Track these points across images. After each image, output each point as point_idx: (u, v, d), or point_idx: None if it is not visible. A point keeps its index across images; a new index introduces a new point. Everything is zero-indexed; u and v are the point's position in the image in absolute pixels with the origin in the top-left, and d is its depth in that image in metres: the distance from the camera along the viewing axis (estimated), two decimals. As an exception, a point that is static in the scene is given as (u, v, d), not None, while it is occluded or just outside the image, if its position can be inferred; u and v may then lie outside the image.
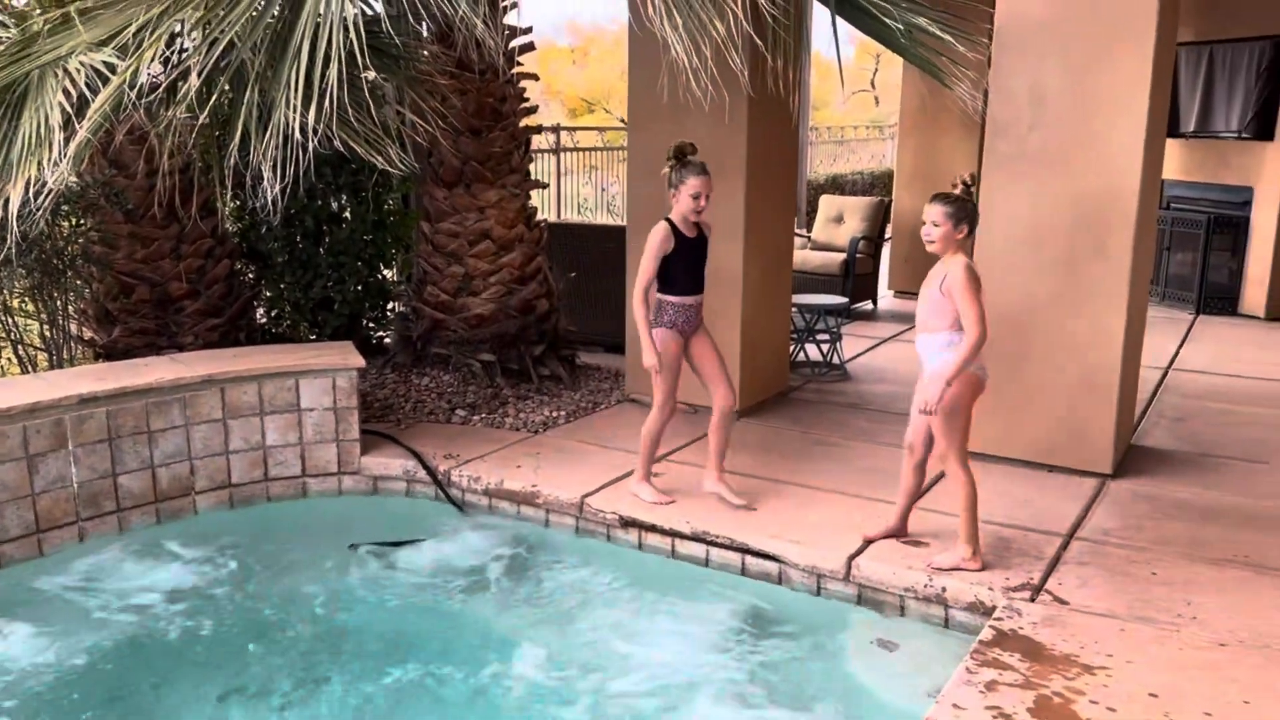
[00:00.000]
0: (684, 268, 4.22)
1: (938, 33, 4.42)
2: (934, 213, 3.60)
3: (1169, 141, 8.99)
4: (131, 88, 3.75)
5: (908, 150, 9.36)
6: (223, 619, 3.82)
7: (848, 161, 17.38)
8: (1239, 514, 4.25)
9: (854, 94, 35.63)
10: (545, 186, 7.16)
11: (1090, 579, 3.65)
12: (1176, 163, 9.13)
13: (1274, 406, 5.84)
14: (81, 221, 5.25)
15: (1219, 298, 8.64)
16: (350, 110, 4.12)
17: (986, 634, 3.27)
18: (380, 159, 4.04)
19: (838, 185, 14.90)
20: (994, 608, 3.49)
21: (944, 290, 3.58)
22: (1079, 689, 2.95)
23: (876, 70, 34.27)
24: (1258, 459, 4.93)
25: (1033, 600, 3.51)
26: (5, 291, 5.11)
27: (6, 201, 3.74)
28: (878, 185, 15.83)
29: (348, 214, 6.23)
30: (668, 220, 4.21)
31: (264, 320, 6.36)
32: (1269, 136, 8.20)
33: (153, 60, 3.80)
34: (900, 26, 4.45)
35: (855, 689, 3.40)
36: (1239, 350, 7.29)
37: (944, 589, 3.64)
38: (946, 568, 3.69)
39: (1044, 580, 3.65)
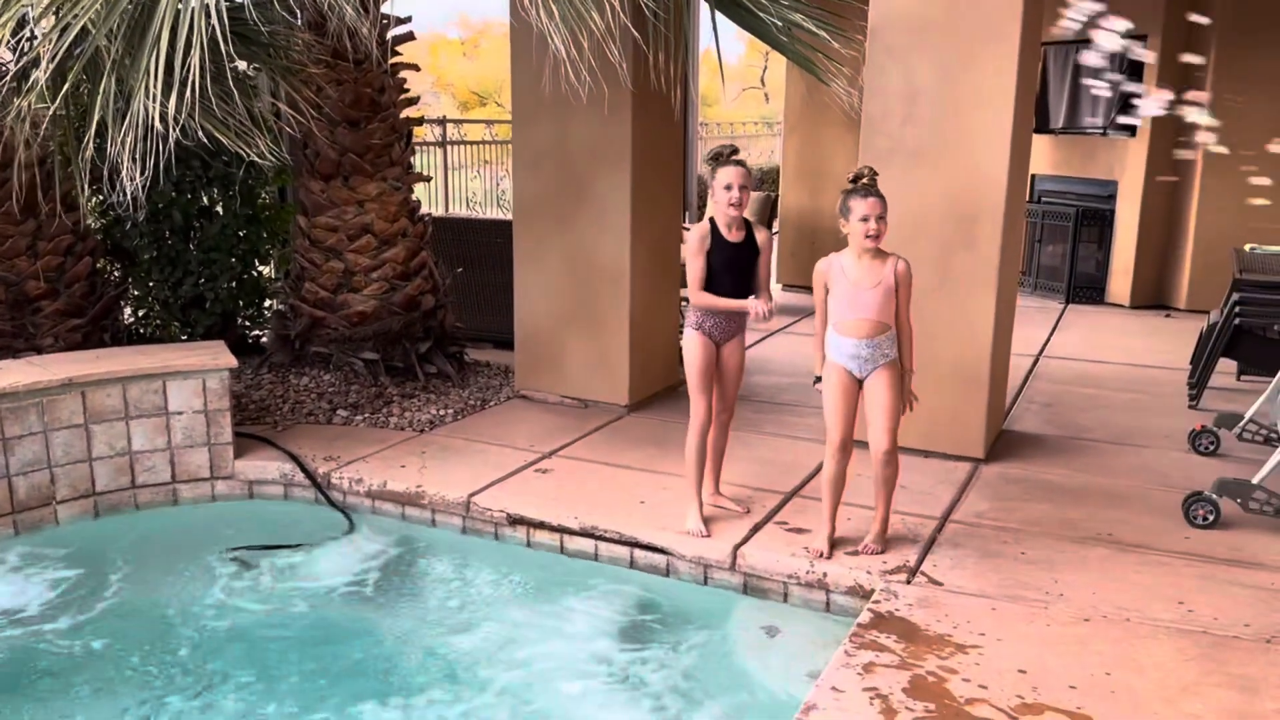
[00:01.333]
0: (723, 271, 3.87)
1: (814, 29, 4.49)
2: (880, 207, 3.53)
3: (1040, 137, 9.37)
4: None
5: (793, 146, 9.52)
6: (78, 636, 3.62)
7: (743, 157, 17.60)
8: (1103, 494, 4.45)
9: (744, 90, 36.14)
10: (428, 180, 7.04)
11: (963, 560, 3.77)
12: (1047, 158, 9.52)
13: (1137, 390, 6.13)
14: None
15: (1087, 287, 9.04)
16: (215, 100, 3.96)
17: (864, 617, 3.34)
18: (248, 150, 3.89)
19: (727, 180, 15.04)
20: (872, 591, 3.56)
21: (898, 282, 3.59)
22: (952, 668, 3.04)
23: (766, 68, 34.80)
24: (1122, 441, 5.17)
25: (909, 582, 3.60)
26: None
27: None
28: (767, 181, 16.05)
29: (219, 208, 6.00)
30: (710, 220, 3.91)
31: (132, 320, 6.08)
32: (1131, 132, 8.61)
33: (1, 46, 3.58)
34: (778, 22, 4.50)
35: (740, 676, 3.44)
36: (1105, 337, 7.64)
37: (825, 574, 3.71)
38: (876, 546, 3.82)
39: (919, 562, 3.75)
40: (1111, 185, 8.88)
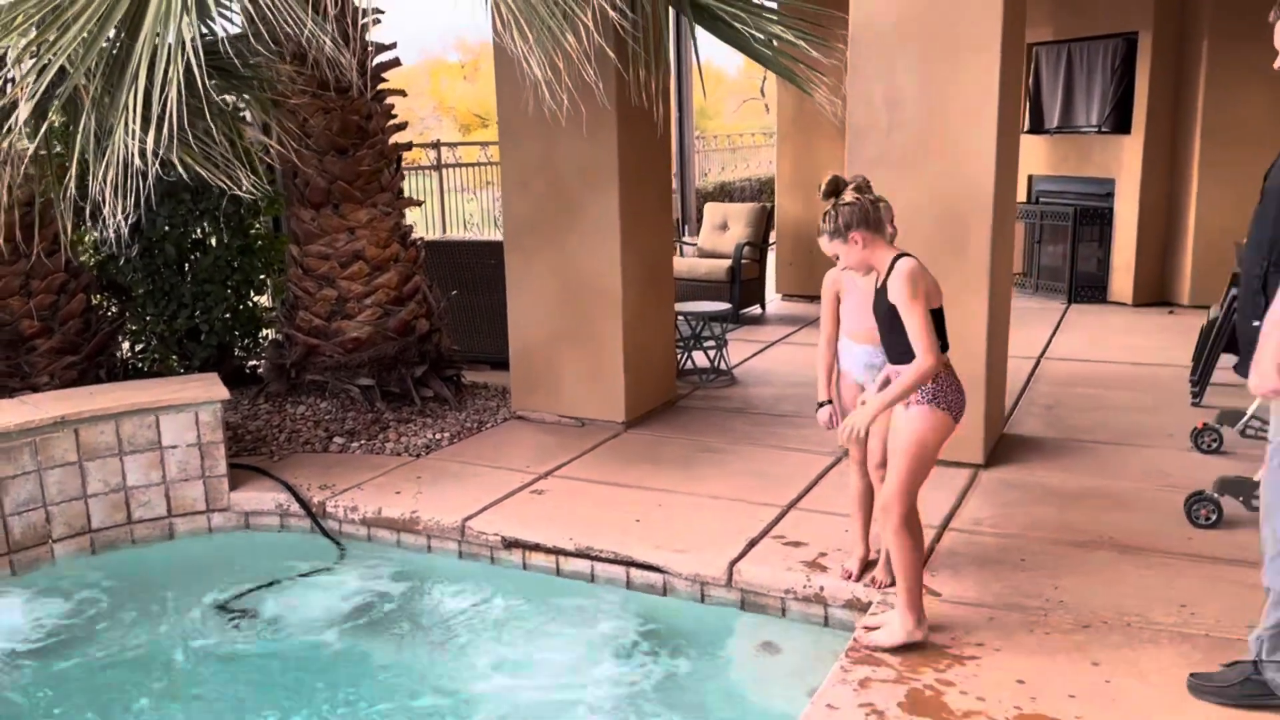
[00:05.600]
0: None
1: (794, 40, 4.48)
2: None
3: (1035, 138, 9.34)
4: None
5: (786, 156, 9.51)
6: (76, 678, 3.60)
7: (741, 169, 17.62)
8: (1105, 496, 4.39)
9: (745, 102, 36.19)
10: (419, 204, 7.04)
11: (962, 569, 3.72)
12: (1043, 158, 9.47)
13: (1140, 390, 6.07)
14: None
15: (1089, 286, 8.98)
16: (197, 135, 3.97)
17: (871, 636, 3.30)
18: (230, 183, 3.90)
19: (726, 193, 15.08)
20: (870, 604, 3.52)
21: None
22: (949, 680, 3.00)
23: (765, 79, 34.78)
24: (1124, 441, 5.11)
25: (907, 594, 3.55)
26: None
27: None
28: (765, 191, 16.06)
29: (212, 241, 6.02)
30: None
31: (129, 355, 6.09)
32: (1126, 130, 8.57)
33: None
34: (758, 35, 4.49)
35: (739, 694, 3.41)
36: (1108, 336, 7.58)
37: (822, 588, 3.67)
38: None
39: (918, 574, 3.69)
40: (1109, 183, 8.83)
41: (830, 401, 3.64)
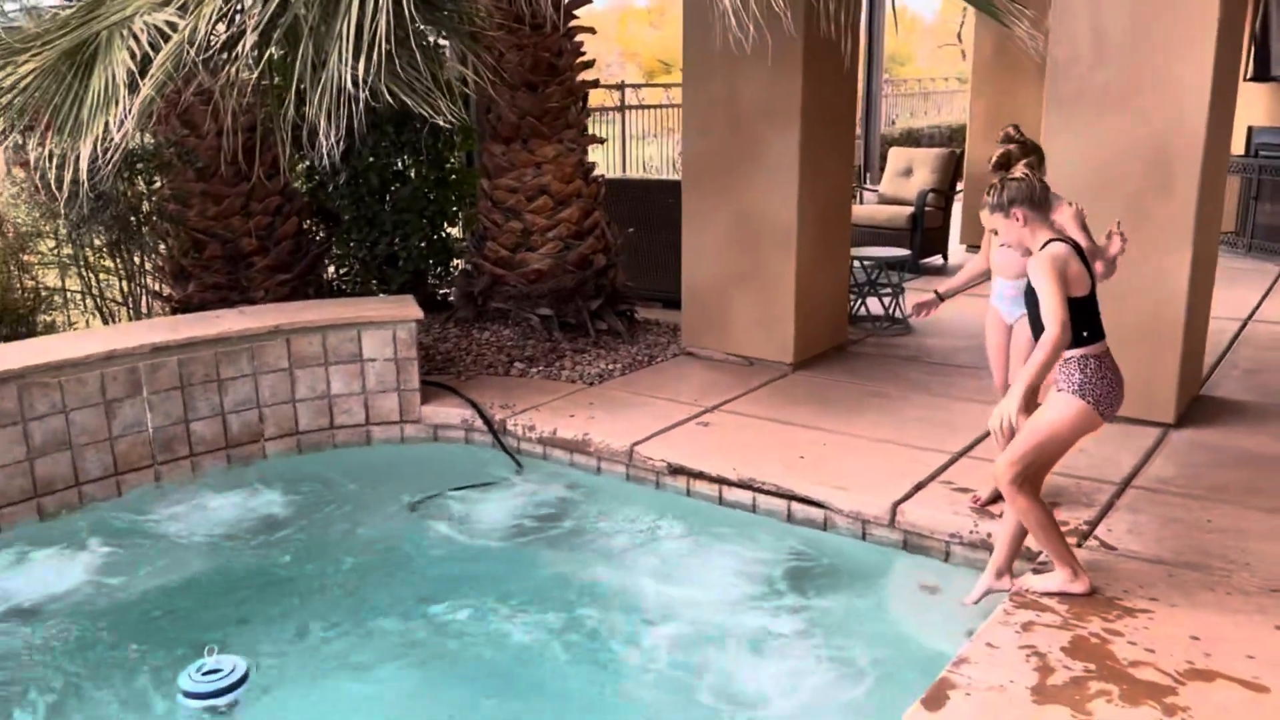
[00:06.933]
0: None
1: (994, -30, 4.30)
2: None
3: (1258, 86, 8.59)
4: (191, 45, 3.88)
5: (981, 100, 9.12)
6: (290, 556, 4.00)
7: (932, 115, 16.99)
8: (1308, 465, 4.11)
9: (940, 47, 34.67)
10: (602, 141, 7.18)
11: (1141, 526, 3.59)
12: (1265, 108, 8.70)
13: (1360, 358, 5.59)
14: (155, 180, 5.47)
15: (1311, 249, 8.26)
16: (402, 65, 4.19)
17: (1028, 577, 3.24)
18: (431, 112, 4.11)
19: (913, 139, 14.59)
20: (1039, 552, 3.44)
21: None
22: (1118, 630, 2.92)
23: (963, 22, 33.23)
24: (1335, 410, 4.74)
25: (1079, 546, 3.46)
26: (85, 247, 5.37)
27: (78, 159, 3.93)
28: (956, 139, 15.44)
29: (411, 172, 6.36)
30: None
31: (333, 277, 6.55)
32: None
33: (212, 18, 3.92)
34: (956, -35, 4.32)
35: (896, 630, 3.42)
36: (1329, 303, 6.98)
37: (989, 534, 3.61)
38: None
39: (1093, 527, 3.59)
40: (1343, 136, 8.04)
41: (940, 297, 3.92)
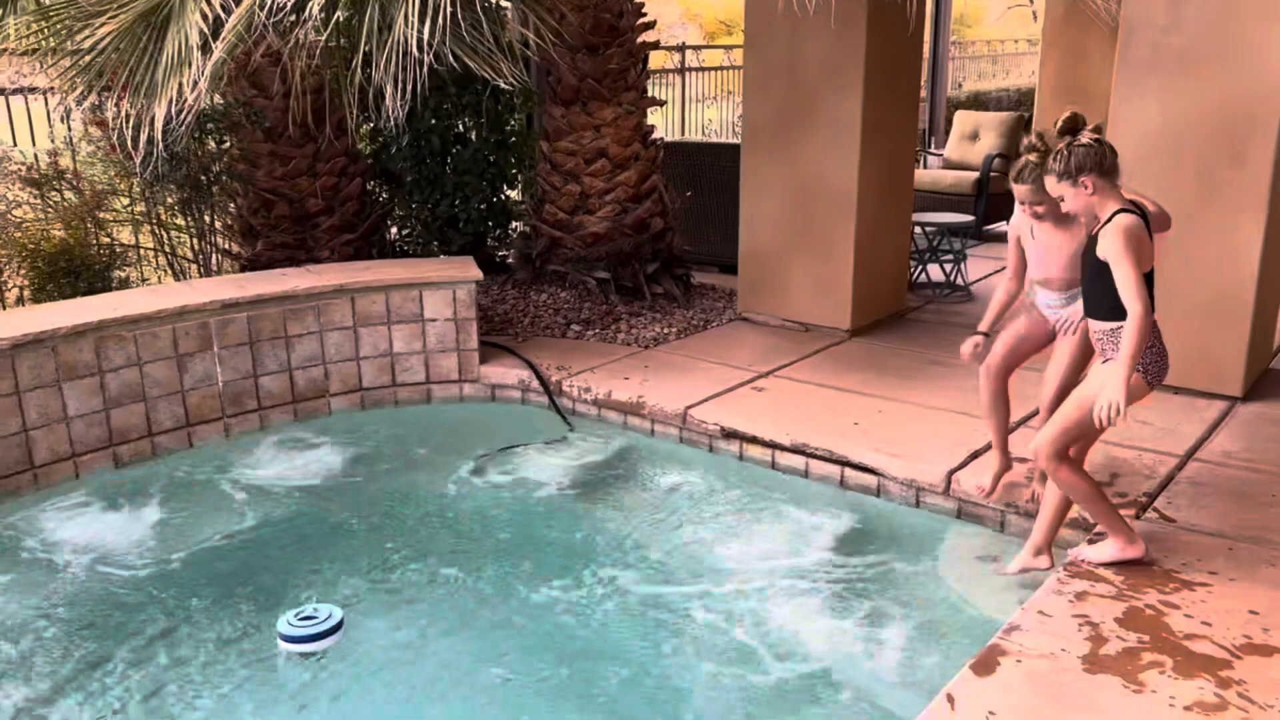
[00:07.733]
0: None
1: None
2: (1030, 194, 3.19)
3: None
4: (262, 8, 3.95)
5: (1051, 63, 8.89)
6: (355, 509, 4.12)
7: (1000, 79, 16.58)
8: (1382, 442, 4.00)
9: (1010, 9, 33.77)
10: (662, 104, 7.16)
11: (1202, 499, 3.54)
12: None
13: None
14: (225, 140, 5.60)
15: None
16: (465, 27, 4.23)
17: (1083, 548, 3.23)
18: (494, 74, 4.15)
19: (980, 103, 14.25)
20: (1095, 523, 3.42)
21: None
22: (1174, 603, 2.90)
23: (1034, -17, 32.31)
24: None
25: (1138, 518, 3.43)
26: (158, 205, 5.52)
27: (153, 119, 4.04)
28: (1024, 103, 15.07)
29: (472, 135, 6.41)
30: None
31: (396, 238, 6.65)
32: None
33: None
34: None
35: (948, 596, 3.43)
36: None
37: (1044, 504, 3.59)
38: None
39: (1152, 499, 3.55)
40: None
41: (987, 335, 3.63)
